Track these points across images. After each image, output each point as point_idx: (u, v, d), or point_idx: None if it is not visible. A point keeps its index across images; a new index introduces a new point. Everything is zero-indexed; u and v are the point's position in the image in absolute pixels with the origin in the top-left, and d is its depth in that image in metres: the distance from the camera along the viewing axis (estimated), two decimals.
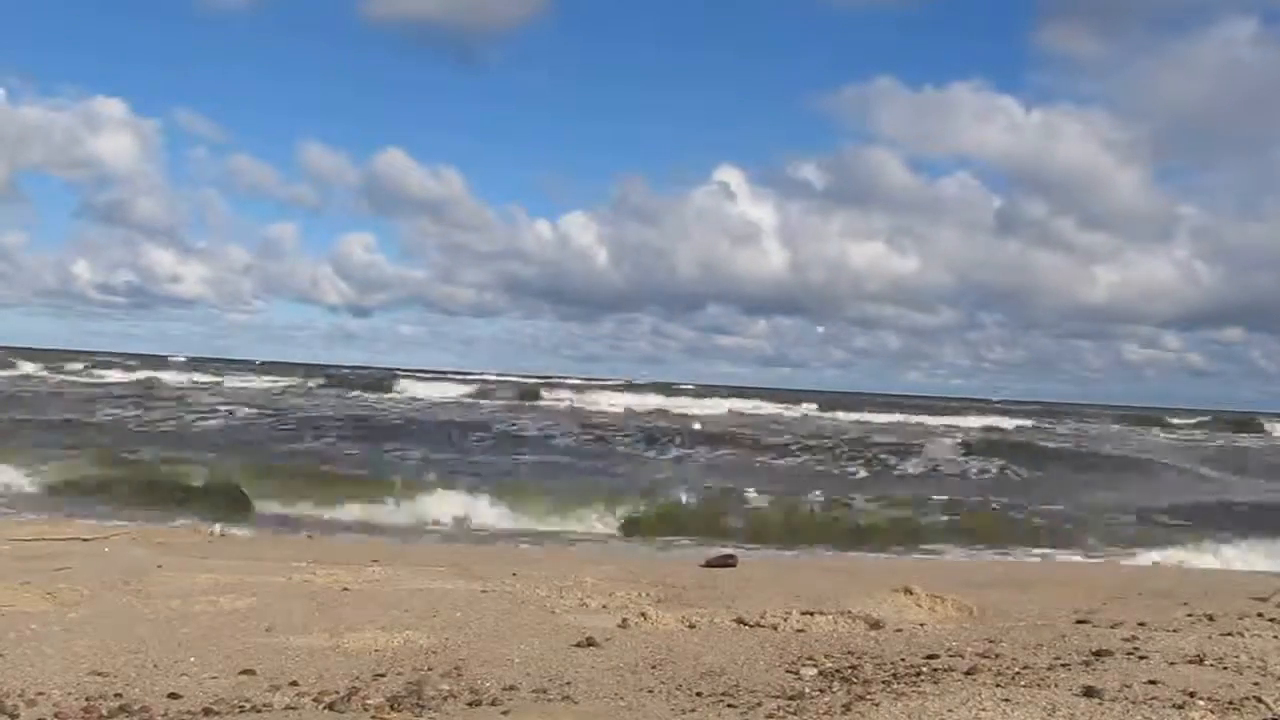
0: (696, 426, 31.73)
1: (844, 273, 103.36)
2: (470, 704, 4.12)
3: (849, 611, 5.89)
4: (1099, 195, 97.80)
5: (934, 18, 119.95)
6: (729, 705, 3.97)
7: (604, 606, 6.55)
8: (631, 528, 14.91)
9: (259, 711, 4.02)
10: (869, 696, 3.90)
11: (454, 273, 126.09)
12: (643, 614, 5.90)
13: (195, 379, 50.24)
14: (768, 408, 47.95)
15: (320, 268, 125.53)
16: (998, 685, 3.99)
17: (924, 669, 4.49)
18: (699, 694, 4.23)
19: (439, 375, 69.19)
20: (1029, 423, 47.04)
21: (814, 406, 49.57)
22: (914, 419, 44.71)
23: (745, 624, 5.73)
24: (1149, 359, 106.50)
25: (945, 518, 16.26)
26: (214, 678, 4.48)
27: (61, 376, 48.13)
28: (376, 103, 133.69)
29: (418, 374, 67.44)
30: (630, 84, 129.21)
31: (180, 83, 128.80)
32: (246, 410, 31.01)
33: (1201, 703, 3.67)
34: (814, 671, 4.58)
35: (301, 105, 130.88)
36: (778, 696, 4.09)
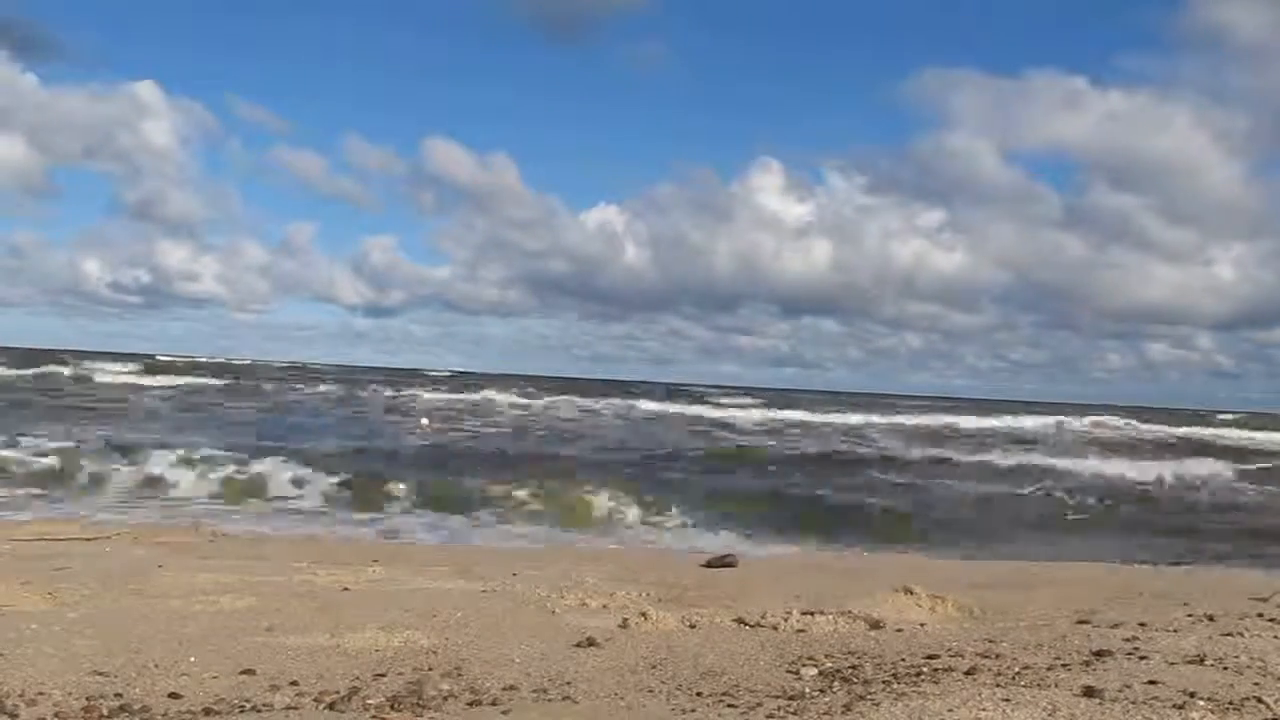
0: None
1: (897, 271, 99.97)
2: (470, 704, 4.12)
3: (849, 611, 5.89)
4: (1184, 189, 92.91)
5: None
6: (729, 705, 3.97)
7: (604, 606, 6.55)
8: None
9: (259, 711, 4.02)
10: (869, 696, 3.90)
11: (482, 270, 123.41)
12: (643, 614, 5.90)
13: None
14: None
15: (354, 263, 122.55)
16: (998, 685, 3.99)
17: (924, 669, 4.49)
18: (699, 694, 4.23)
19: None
20: None
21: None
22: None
23: (746, 624, 5.73)
24: (1175, 360, 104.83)
25: None
26: (214, 677, 4.48)
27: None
28: (441, 82, 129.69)
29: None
30: (700, 73, 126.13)
31: (232, 68, 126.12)
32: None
33: (1202, 703, 3.66)
34: (814, 671, 4.57)
35: (355, 90, 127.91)
36: (778, 696, 4.09)
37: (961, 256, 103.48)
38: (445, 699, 4.19)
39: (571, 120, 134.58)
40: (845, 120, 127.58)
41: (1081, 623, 5.80)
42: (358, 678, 4.50)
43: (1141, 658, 4.49)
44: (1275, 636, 4.93)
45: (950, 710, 3.58)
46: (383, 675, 4.55)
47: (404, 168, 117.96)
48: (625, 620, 5.79)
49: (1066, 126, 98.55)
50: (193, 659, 4.77)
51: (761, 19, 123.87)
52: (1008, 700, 3.68)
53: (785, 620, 5.70)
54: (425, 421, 26.36)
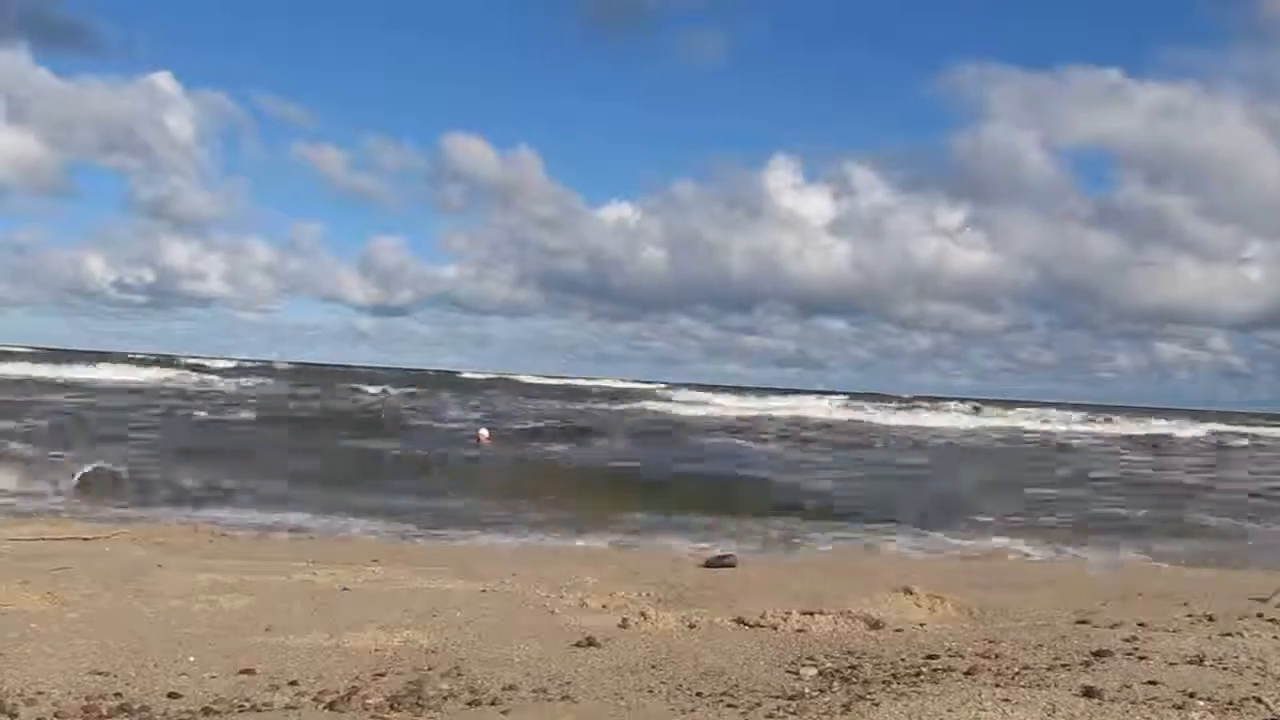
0: None
1: (923, 270, 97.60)
2: (470, 703, 4.12)
3: (849, 611, 5.89)
4: (1225, 185, 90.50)
5: None
6: (729, 705, 3.97)
7: (604, 606, 6.55)
8: None
9: (259, 711, 4.02)
10: (869, 696, 3.89)
11: (493, 268, 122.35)
12: (643, 614, 5.90)
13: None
14: None
15: (367, 261, 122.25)
16: (998, 685, 3.99)
17: (924, 669, 4.49)
18: (699, 694, 4.23)
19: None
20: None
21: None
22: None
23: (745, 624, 5.73)
24: (1185, 360, 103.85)
25: None
26: (214, 677, 4.48)
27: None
28: (467, 78, 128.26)
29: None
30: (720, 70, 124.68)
31: (258, 63, 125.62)
32: None
33: (1201, 703, 3.66)
34: (814, 671, 4.57)
35: (379, 85, 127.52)
36: (778, 696, 4.09)
37: (990, 255, 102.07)
38: (445, 699, 4.19)
39: (598, 115, 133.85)
40: (877, 117, 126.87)
41: (1081, 623, 5.80)
42: (357, 677, 4.50)
43: (1141, 658, 4.49)
44: (1275, 637, 4.93)
45: (950, 710, 3.58)
46: (382, 675, 4.55)
47: (425, 163, 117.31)
48: (625, 620, 5.79)
49: (1103, 121, 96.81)
50: (192, 659, 4.77)
51: (794, 16, 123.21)
52: (1007, 700, 3.68)
53: (785, 620, 5.70)
54: (485, 433, 26.06)
